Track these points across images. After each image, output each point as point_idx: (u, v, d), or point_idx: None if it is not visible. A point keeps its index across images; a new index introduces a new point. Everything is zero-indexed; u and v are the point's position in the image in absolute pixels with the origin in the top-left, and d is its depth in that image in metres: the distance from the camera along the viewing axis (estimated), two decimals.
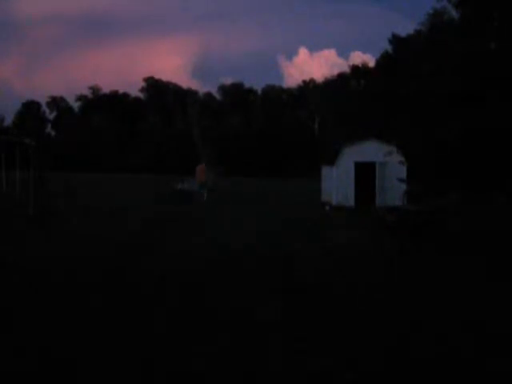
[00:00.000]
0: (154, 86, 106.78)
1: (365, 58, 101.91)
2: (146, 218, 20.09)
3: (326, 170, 29.82)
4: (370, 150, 26.84)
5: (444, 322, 7.39)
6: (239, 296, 8.59)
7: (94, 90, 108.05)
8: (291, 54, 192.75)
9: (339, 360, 5.80)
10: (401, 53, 63.20)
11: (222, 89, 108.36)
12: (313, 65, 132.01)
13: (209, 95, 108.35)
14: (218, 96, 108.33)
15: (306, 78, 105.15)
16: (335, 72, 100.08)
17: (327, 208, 26.08)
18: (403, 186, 21.44)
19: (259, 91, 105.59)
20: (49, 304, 7.91)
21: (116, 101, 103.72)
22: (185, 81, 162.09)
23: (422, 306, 8.16)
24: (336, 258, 12.37)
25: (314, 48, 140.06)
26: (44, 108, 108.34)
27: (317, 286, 9.48)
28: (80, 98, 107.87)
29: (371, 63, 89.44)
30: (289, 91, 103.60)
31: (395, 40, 73.20)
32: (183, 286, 9.22)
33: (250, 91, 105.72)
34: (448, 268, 11.42)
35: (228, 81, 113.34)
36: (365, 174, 26.91)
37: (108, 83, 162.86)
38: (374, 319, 7.43)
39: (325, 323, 7.21)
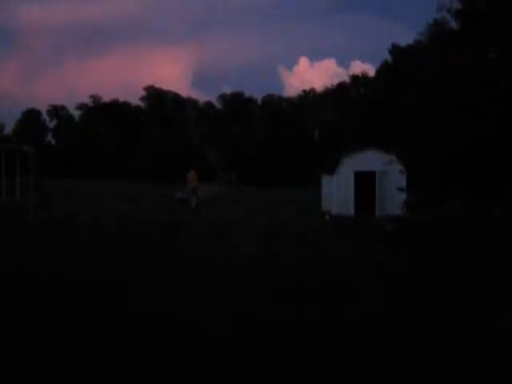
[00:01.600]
0: (155, 95, 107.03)
1: (365, 67, 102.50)
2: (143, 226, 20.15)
3: (326, 179, 29.89)
4: (370, 160, 26.93)
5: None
6: None
7: (95, 98, 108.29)
8: (291, 64, 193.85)
9: None
10: (401, 63, 63.53)
11: (222, 98, 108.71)
12: (313, 74, 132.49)
13: (209, 104, 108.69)
14: (218, 105, 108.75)
15: (307, 87, 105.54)
16: (335, 81, 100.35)
17: (327, 217, 26.11)
18: (403, 195, 21.50)
19: (259, 100, 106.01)
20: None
21: (116, 109, 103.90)
22: (185, 90, 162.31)
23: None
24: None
25: (314, 58, 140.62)
26: (44, 116, 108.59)
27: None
28: (80, 106, 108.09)
29: (371, 73, 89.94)
30: (289, 100, 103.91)
31: (395, 50, 73.60)
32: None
33: (250, 100, 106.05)
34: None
35: (228, 90, 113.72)
36: (365, 183, 26.98)
37: (108, 92, 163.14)
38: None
39: None
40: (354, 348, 6.45)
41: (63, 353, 6.06)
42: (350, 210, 27.07)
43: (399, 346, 6.51)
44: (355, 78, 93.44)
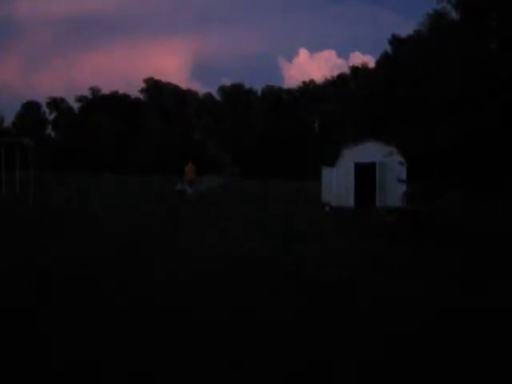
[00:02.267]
0: (154, 87, 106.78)
1: (365, 59, 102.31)
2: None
3: (326, 171, 29.86)
4: (370, 151, 26.88)
5: None
6: None
7: (94, 90, 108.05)
8: (291, 55, 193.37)
9: None
10: (401, 54, 63.28)
11: (222, 89, 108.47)
12: (313, 66, 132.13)
13: (209, 96, 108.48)
14: (217, 97, 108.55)
15: (306, 78, 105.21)
16: (335, 73, 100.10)
17: (327, 208, 26.09)
18: (403, 187, 21.48)
19: (259, 92, 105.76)
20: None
21: (116, 101, 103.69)
22: (185, 82, 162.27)
23: None
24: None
25: (314, 49, 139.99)
26: (44, 109, 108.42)
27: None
28: (80, 98, 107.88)
29: (371, 64, 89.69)
30: (289, 92, 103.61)
31: (395, 41, 73.28)
32: None
33: (250, 92, 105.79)
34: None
35: (228, 82, 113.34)
36: (365, 174, 26.94)
37: (108, 84, 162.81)
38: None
39: None
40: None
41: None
42: (350, 202, 27.03)
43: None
44: (355, 70, 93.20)
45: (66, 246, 13.16)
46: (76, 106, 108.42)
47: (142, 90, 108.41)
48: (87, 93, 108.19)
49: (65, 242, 13.78)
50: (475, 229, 17.49)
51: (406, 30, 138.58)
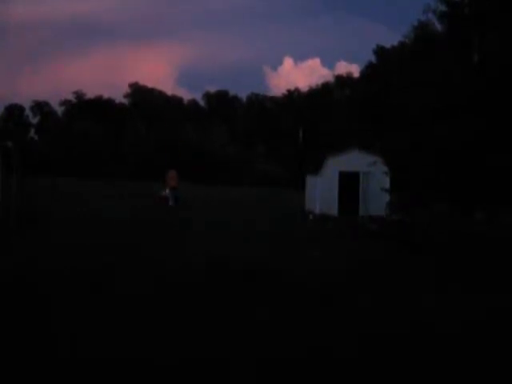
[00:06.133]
0: (139, 92, 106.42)
1: (350, 68, 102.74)
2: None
3: (310, 179, 30.00)
4: (355, 160, 27.00)
5: None
6: None
7: (78, 94, 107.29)
8: (276, 64, 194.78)
9: None
10: (385, 64, 63.87)
11: (207, 96, 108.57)
12: (297, 74, 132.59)
13: (193, 102, 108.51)
14: (202, 103, 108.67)
15: (291, 87, 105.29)
16: (320, 81, 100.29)
17: (310, 216, 26.25)
18: (386, 196, 21.67)
19: (244, 99, 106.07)
20: None
21: (100, 106, 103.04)
22: (170, 87, 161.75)
23: None
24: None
25: (298, 58, 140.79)
26: (27, 112, 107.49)
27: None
28: (64, 102, 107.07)
29: (356, 73, 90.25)
30: (273, 100, 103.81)
31: (380, 51, 73.96)
32: None
33: (235, 99, 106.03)
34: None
35: (213, 89, 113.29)
36: (349, 183, 27.07)
37: (93, 88, 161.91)
38: None
39: None
40: None
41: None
42: (334, 210, 27.10)
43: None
44: (340, 78, 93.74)
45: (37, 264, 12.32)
46: (60, 109, 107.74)
47: (126, 95, 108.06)
48: (71, 97, 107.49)
49: (38, 261, 12.60)
50: (457, 237, 17.74)
51: (393, 39, 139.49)
